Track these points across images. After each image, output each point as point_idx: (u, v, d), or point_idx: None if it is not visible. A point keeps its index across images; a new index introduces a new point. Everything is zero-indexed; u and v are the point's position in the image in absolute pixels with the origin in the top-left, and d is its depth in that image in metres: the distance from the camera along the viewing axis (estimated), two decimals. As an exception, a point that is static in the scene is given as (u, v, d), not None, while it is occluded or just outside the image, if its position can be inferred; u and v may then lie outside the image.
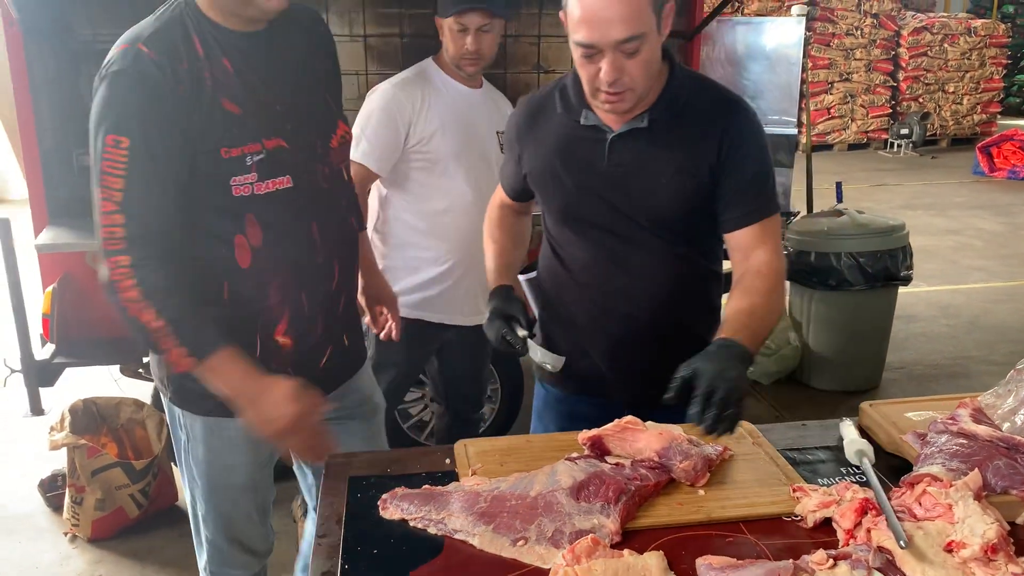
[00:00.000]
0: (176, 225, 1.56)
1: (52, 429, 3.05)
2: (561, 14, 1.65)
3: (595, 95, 1.65)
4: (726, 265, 1.90)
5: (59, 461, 3.25)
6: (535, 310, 2.06)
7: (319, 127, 1.72)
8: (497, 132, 2.66)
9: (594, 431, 1.53)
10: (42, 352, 3.07)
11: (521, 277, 2.07)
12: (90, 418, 3.06)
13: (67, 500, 3.11)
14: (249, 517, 1.91)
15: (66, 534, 3.12)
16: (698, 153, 1.71)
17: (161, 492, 3.21)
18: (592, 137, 1.74)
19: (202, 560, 1.94)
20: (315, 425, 1.61)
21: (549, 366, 1.82)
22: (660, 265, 1.78)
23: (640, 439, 1.50)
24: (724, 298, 1.88)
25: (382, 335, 2.25)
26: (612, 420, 1.54)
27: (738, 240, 1.75)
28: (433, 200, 2.65)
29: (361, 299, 2.13)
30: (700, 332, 1.82)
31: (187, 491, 1.89)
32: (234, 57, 1.59)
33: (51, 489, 3.31)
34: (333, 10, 3.89)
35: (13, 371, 3.02)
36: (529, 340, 1.77)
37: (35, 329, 3.05)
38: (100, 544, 3.06)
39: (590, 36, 1.55)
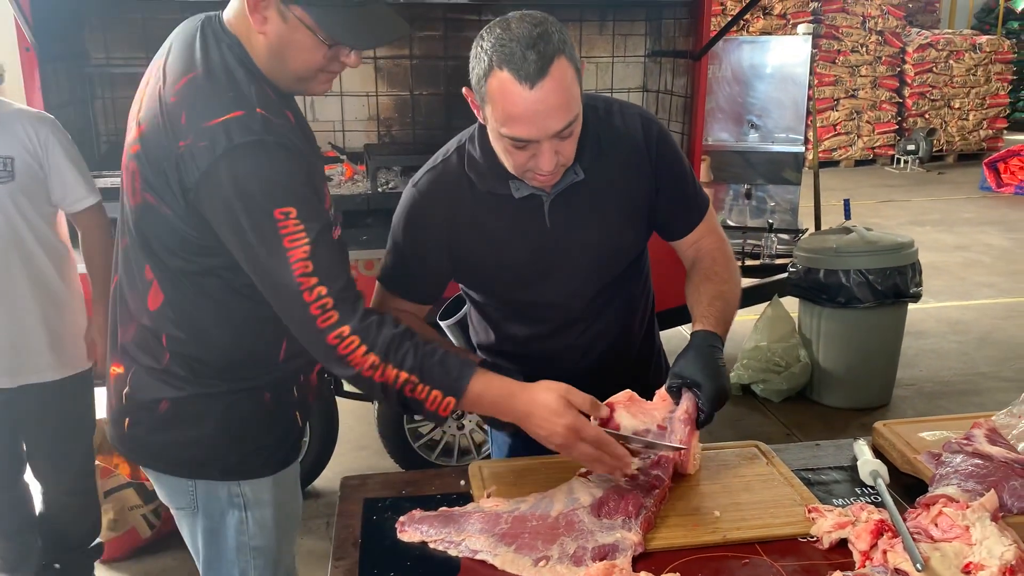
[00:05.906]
0: None
1: (65, 450, 3.05)
2: (466, 91, 1.49)
3: (524, 176, 1.53)
4: None
5: (72, 481, 3.25)
6: (471, 352, 1.85)
7: None
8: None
9: (607, 402, 1.48)
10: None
11: (444, 323, 1.87)
12: (103, 438, 3.06)
13: (80, 520, 3.11)
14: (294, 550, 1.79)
15: (79, 554, 3.12)
16: (635, 179, 1.65)
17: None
18: (528, 206, 1.61)
19: None
20: (594, 435, 1.40)
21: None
22: (615, 313, 1.74)
23: (653, 406, 1.52)
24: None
25: None
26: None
27: (687, 241, 1.74)
28: None
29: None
30: (644, 355, 1.86)
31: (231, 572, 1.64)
32: (293, 109, 1.50)
33: (63, 509, 3.31)
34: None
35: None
36: None
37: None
38: (113, 564, 3.06)
39: (528, 132, 1.42)
